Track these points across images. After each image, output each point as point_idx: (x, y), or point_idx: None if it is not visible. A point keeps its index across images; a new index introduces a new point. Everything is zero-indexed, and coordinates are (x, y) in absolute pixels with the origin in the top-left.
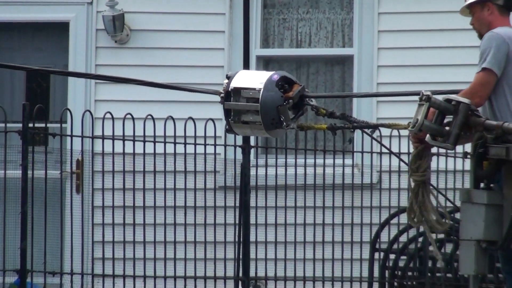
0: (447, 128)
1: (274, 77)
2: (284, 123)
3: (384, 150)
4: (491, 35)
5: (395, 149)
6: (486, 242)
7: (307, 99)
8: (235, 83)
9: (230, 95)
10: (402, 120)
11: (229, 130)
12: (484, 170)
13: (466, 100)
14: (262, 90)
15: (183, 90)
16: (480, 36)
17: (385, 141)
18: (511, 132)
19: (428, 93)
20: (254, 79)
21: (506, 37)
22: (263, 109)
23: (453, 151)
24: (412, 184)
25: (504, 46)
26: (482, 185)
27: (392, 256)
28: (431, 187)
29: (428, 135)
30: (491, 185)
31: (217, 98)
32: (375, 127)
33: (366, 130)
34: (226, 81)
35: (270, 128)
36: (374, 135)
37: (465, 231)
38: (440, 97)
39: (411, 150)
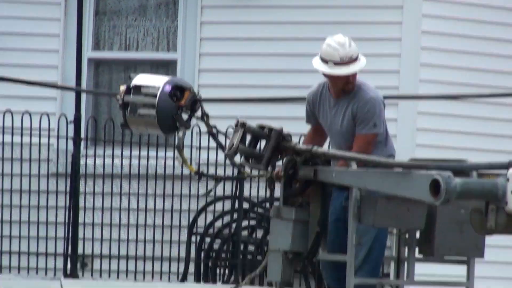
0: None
1: (166, 89)
2: (180, 127)
3: (203, 145)
4: (376, 100)
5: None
6: (292, 254)
7: (199, 103)
8: (135, 82)
9: (130, 93)
10: (223, 119)
11: (123, 125)
12: (291, 189)
13: (277, 128)
14: (157, 98)
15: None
16: (340, 90)
17: (205, 137)
18: (319, 155)
19: (243, 120)
20: (153, 80)
21: (382, 101)
22: (159, 118)
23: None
24: None
25: (383, 109)
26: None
27: (207, 240)
28: None
29: (242, 157)
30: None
31: (50, 94)
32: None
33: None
34: (123, 87)
35: (168, 133)
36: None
37: (274, 242)
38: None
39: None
